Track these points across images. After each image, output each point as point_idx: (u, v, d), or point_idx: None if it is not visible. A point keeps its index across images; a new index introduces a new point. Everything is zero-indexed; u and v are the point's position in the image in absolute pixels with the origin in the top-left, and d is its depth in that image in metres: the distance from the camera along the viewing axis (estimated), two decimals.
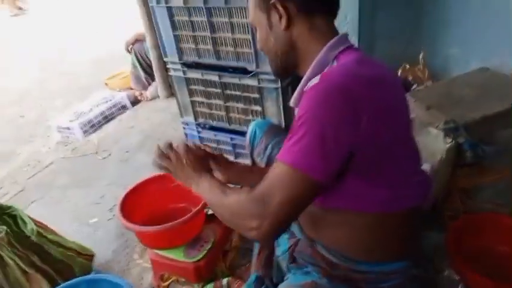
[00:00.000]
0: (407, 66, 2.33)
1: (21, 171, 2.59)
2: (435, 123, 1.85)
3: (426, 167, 1.64)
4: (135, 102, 3.35)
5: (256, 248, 1.30)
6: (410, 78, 2.35)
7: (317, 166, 0.78)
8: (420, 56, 2.32)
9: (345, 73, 0.82)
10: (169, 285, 1.54)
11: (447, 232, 1.44)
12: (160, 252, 1.47)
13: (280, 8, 0.91)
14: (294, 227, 1.11)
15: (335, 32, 0.96)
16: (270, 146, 1.35)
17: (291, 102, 1.00)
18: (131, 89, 3.47)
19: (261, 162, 1.37)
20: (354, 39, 2.34)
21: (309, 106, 0.79)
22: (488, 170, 1.80)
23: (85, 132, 2.91)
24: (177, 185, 1.62)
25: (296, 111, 0.99)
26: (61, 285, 1.27)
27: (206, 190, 0.98)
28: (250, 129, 1.43)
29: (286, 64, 1.00)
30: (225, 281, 1.41)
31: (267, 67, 1.66)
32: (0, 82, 4.47)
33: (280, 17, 0.92)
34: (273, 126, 1.45)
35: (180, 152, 1.07)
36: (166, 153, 1.10)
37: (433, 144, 1.74)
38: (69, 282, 1.28)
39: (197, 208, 1.41)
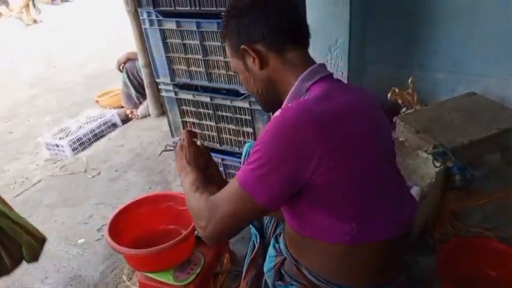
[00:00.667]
0: (397, 90, 2.37)
1: (8, 189, 2.55)
2: (424, 147, 1.88)
3: (416, 190, 1.65)
4: (126, 120, 3.34)
5: (245, 269, 1.29)
6: (400, 101, 2.39)
7: (261, 191, 0.85)
8: (410, 80, 2.37)
9: (300, 108, 0.84)
10: None
11: (438, 255, 1.45)
12: (149, 275, 1.44)
13: (251, 52, 0.96)
14: (282, 245, 1.11)
15: (308, 62, 0.99)
16: None
17: None
18: (122, 107, 3.46)
19: None
20: (344, 63, 2.38)
21: (264, 134, 0.85)
22: (477, 194, 1.82)
23: (74, 149, 2.89)
24: (168, 206, 1.63)
25: None
26: None
27: (186, 183, 1.06)
28: (244, 150, 1.44)
29: (269, 99, 1.05)
30: None
31: None
32: None
33: (254, 60, 0.97)
34: None
35: (184, 144, 1.16)
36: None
37: (423, 167, 1.77)
38: None
39: (187, 231, 1.40)
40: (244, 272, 1.29)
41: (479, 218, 1.73)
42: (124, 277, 1.71)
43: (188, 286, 1.39)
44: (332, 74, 0.98)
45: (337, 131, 0.83)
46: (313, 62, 0.99)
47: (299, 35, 1.00)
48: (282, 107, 0.98)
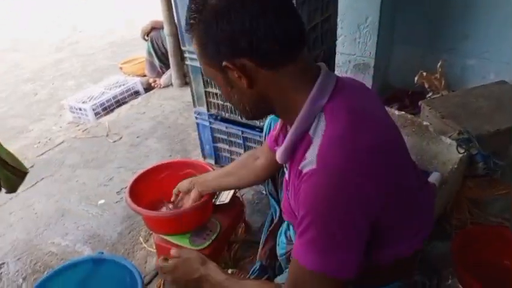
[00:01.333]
0: (424, 73, 2.32)
1: (32, 148, 2.62)
2: (448, 132, 1.85)
3: (435, 175, 1.64)
4: (148, 88, 3.37)
5: (263, 238, 1.31)
6: (427, 85, 2.34)
7: (342, 265, 0.73)
8: (438, 65, 2.31)
9: (343, 153, 0.72)
10: None
11: (453, 241, 1.44)
12: (166, 238, 1.48)
13: (236, 69, 0.76)
14: (292, 232, 1.12)
15: (311, 72, 0.82)
16: None
17: (279, 158, 0.88)
18: (145, 75, 3.48)
19: None
20: (372, 42, 2.33)
21: (315, 203, 0.72)
22: (498, 184, 1.80)
23: (96, 114, 2.93)
24: (186, 173, 1.65)
25: (286, 168, 0.94)
26: (68, 262, 1.28)
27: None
28: (266, 122, 1.44)
29: (259, 115, 0.91)
30: (229, 271, 1.42)
31: None
32: (15, 58, 4.51)
33: (240, 77, 0.78)
34: None
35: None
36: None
37: (445, 153, 1.74)
38: (76, 259, 1.30)
39: (205, 198, 1.42)
40: (262, 242, 1.30)
41: (498, 208, 1.71)
42: (141, 239, 1.75)
43: (203, 251, 1.42)
44: (337, 77, 0.85)
45: (384, 163, 0.76)
46: (315, 69, 0.83)
47: (298, 43, 0.78)
48: (292, 132, 0.82)
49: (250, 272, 1.24)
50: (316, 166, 0.72)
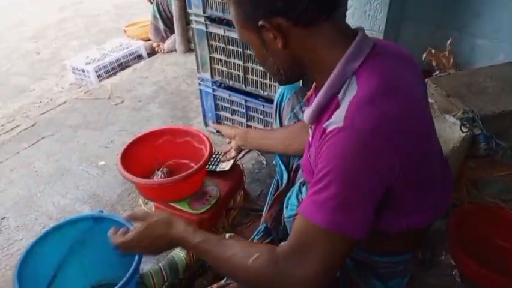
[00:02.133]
0: (433, 51, 2.29)
1: (33, 107, 2.61)
2: (453, 111, 1.83)
3: None
4: (151, 53, 3.32)
5: (269, 202, 1.31)
6: (434, 63, 2.31)
7: (354, 225, 0.72)
8: (448, 43, 2.27)
9: (372, 118, 0.70)
10: None
11: (449, 218, 1.45)
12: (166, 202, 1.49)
13: (271, 29, 0.77)
14: (305, 195, 1.12)
15: (346, 33, 0.81)
16: (297, 107, 1.37)
17: (306, 119, 0.87)
18: (149, 39, 3.43)
19: (290, 121, 1.39)
20: (382, 16, 2.29)
21: (338, 161, 0.71)
22: (499, 165, 1.80)
23: (99, 76, 2.91)
24: (185, 140, 1.65)
25: (311, 129, 0.92)
26: (68, 219, 1.29)
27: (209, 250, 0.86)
28: (279, 91, 1.44)
29: (292, 78, 0.90)
30: (227, 235, 1.44)
31: None
32: (18, 16, 4.43)
33: (275, 37, 0.78)
34: (301, 89, 1.44)
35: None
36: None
37: (448, 132, 1.74)
38: (76, 216, 1.31)
39: (197, 165, 1.42)
40: (268, 205, 1.31)
41: (496, 189, 1.72)
42: (141, 201, 1.77)
43: (202, 215, 1.44)
44: (375, 41, 0.82)
45: (413, 130, 0.75)
46: (350, 30, 0.82)
47: (333, 2, 0.78)
48: (324, 91, 0.80)
49: (255, 233, 1.26)
50: (343, 125, 0.71)
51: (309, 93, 0.98)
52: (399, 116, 0.73)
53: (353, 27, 0.84)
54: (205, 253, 0.87)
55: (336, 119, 0.73)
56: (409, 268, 1.04)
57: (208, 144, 1.50)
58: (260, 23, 0.76)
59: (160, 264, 1.30)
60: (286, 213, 1.18)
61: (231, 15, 0.84)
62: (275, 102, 1.45)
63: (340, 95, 0.77)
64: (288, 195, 1.23)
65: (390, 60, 0.81)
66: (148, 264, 1.41)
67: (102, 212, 1.31)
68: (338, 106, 0.76)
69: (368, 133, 0.69)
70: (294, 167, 1.36)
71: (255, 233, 1.27)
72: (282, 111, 1.43)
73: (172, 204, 1.47)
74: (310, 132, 0.94)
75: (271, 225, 1.29)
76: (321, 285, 0.75)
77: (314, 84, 0.95)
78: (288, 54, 0.81)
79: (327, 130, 0.74)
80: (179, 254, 1.38)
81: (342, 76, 0.77)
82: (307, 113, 0.86)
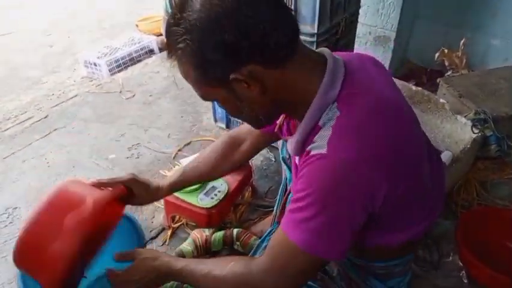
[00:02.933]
0: (446, 50, 2.27)
1: (45, 99, 2.64)
2: (465, 112, 1.82)
3: (447, 155, 1.63)
4: (163, 48, 3.33)
5: (280, 200, 1.31)
6: (447, 63, 2.30)
7: (332, 251, 0.74)
8: (461, 43, 2.26)
9: (356, 145, 0.70)
10: (178, 227, 1.60)
11: (458, 220, 1.45)
12: (175, 194, 1.50)
13: (245, 79, 0.71)
14: None
15: (315, 56, 0.79)
16: None
17: (291, 151, 0.86)
18: (161, 34, 3.44)
19: None
20: (395, 14, 2.27)
21: (319, 186, 0.70)
22: (509, 167, 1.79)
23: (110, 70, 2.92)
24: None
25: (296, 160, 0.92)
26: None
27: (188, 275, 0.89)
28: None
29: (271, 121, 0.87)
30: (235, 231, 1.46)
31: (305, 27, 1.63)
32: (31, 9, 4.47)
33: (250, 86, 0.73)
34: None
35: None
36: None
37: (459, 132, 1.73)
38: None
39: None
40: (279, 205, 1.31)
41: (506, 191, 1.71)
42: None
43: (210, 210, 1.45)
44: (344, 61, 0.79)
45: (397, 154, 0.73)
46: (318, 55, 0.79)
47: (296, 32, 0.74)
48: (304, 123, 0.78)
49: (266, 233, 1.26)
50: (327, 152, 0.70)
51: (279, 122, 0.97)
52: (385, 141, 0.72)
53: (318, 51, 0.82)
54: (190, 275, 0.89)
55: (319, 144, 0.72)
56: (409, 267, 1.04)
57: None
58: (232, 76, 0.71)
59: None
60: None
61: (185, 75, 0.76)
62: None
63: (321, 122, 0.76)
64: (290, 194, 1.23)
65: (364, 76, 0.79)
66: None
67: None
68: (320, 129, 0.75)
69: (350, 162, 0.69)
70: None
71: (266, 232, 1.26)
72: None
73: (181, 198, 1.48)
74: (297, 158, 0.93)
75: None
76: None
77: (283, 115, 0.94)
78: (265, 99, 0.76)
79: (311, 153, 0.74)
80: (187, 247, 1.39)
81: (323, 105, 0.75)
82: (291, 145, 0.85)
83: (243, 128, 1.23)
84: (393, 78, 0.93)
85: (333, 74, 0.75)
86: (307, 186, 0.71)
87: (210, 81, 0.74)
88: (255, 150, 1.25)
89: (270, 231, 1.25)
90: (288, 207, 0.77)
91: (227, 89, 0.75)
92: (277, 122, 1.01)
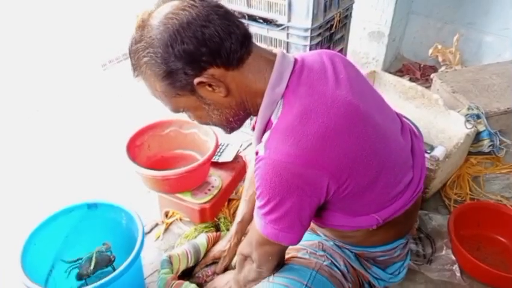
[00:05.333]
0: (439, 46, 2.28)
1: (40, 91, 2.61)
2: (458, 107, 1.83)
3: (440, 150, 1.64)
4: None
5: None
6: (440, 59, 2.30)
7: (291, 237, 0.83)
8: (455, 39, 2.26)
9: (287, 147, 0.74)
10: (172, 222, 1.59)
11: (450, 214, 1.46)
12: None
13: (210, 82, 0.77)
14: None
15: (267, 58, 0.83)
16: None
17: (254, 147, 0.91)
18: None
19: None
20: (390, 10, 2.27)
21: (261, 183, 0.77)
22: (501, 162, 1.80)
23: (108, 63, 2.90)
24: (191, 132, 1.65)
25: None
26: (62, 208, 1.28)
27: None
28: None
29: (241, 122, 0.91)
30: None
31: (299, 22, 1.62)
32: None
33: (214, 89, 0.79)
34: None
35: None
36: None
37: (452, 128, 1.74)
38: (68, 205, 1.29)
39: (203, 158, 1.41)
40: None
41: (498, 186, 1.72)
42: (143, 190, 1.77)
43: (204, 205, 1.44)
44: (295, 58, 0.85)
45: (338, 146, 0.75)
46: (272, 55, 0.83)
47: (249, 35, 0.81)
48: (258, 121, 0.84)
49: None
50: (264, 154, 0.77)
51: (252, 123, 1.00)
52: (318, 136, 0.75)
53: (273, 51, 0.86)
54: None
55: (261, 146, 0.79)
56: (407, 251, 1.06)
57: (214, 137, 1.50)
58: (197, 80, 0.76)
59: (185, 248, 1.33)
60: None
61: (153, 90, 0.81)
62: None
63: (272, 117, 0.82)
64: None
65: (312, 74, 0.82)
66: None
67: (96, 199, 1.31)
68: (271, 126, 0.81)
69: (282, 163, 0.74)
70: None
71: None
72: None
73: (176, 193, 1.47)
74: None
75: None
76: (273, 265, 0.95)
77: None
78: (230, 100, 0.82)
79: (257, 154, 0.80)
80: (201, 239, 1.38)
81: (272, 102, 0.81)
82: (253, 143, 0.91)
83: None
84: (360, 72, 0.93)
85: (278, 71, 0.80)
86: (258, 187, 0.79)
87: (177, 89, 0.79)
88: None
89: None
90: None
91: (194, 96, 0.80)
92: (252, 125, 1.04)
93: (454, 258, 1.38)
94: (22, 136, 2.19)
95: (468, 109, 1.76)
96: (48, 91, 2.65)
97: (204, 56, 0.74)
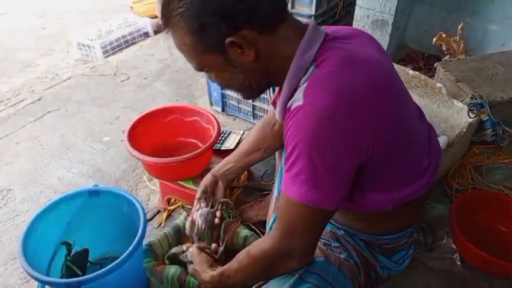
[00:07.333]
0: (443, 35, 2.25)
1: (39, 82, 2.60)
2: (461, 96, 1.82)
3: (443, 139, 1.63)
4: (158, 30, 3.29)
5: (278, 188, 1.31)
6: (444, 48, 2.28)
7: (329, 198, 0.75)
8: (459, 27, 2.24)
9: (332, 92, 0.71)
10: (174, 209, 1.59)
11: (452, 203, 1.46)
12: None
13: (242, 43, 0.75)
14: None
15: (300, 28, 0.81)
16: None
17: (277, 117, 0.90)
18: (156, 16, 3.39)
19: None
20: (393, 0, 2.25)
21: (301, 136, 0.72)
22: (504, 152, 1.80)
23: (104, 52, 2.88)
24: (193, 120, 1.64)
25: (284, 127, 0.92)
26: (64, 195, 1.29)
27: (234, 272, 0.91)
28: None
29: (261, 90, 0.89)
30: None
31: (303, 9, 1.61)
32: None
33: (243, 51, 0.77)
34: None
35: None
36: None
37: (455, 117, 1.73)
38: (70, 192, 1.30)
39: (205, 145, 1.41)
40: (277, 193, 1.31)
41: (500, 176, 1.72)
42: (145, 177, 1.78)
43: None
44: (327, 28, 0.84)
45: (379, 104, 0.74)
46: (303, 26, 0.82)
47: (285, 5, 0.81)
48: (286, 85, 0.81)
49: (271, 222, 1.26)
50: (303, 102, 0.73)
51: (274, 97, 0.98)
52: (360, 87, 0.73)
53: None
54: (226, 279, 0.92)
55: (297, 98, 0.75)
56: (412, 240, 1.06)
57: (216, 125, 1.50)
58: (229, 40, 0.74)
59: (165, 230, 1.32)
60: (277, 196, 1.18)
61: (182, 43, 0.79)
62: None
63: (301, 83, 0.78)
64: (277, 181, 1.24)
65: (345, 40, 0.82)
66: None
67: (97, 185, 1.31)
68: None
69: (326, 109, 0.70)
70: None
71: (271, 221, 1.27)
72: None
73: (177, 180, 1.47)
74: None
75: None
76: (311, 254, 0.85)
77: (277, 88, 0.96)
78: (257, 66, 0.80)
79: (291, 108, 0.76)
80: (181, 218, 1.37)
81: (301, 66, 0.78)
82: (277, 111, 0.88)
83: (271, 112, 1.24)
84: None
85: (310, 37, 0.79)
86: (292, 141, 0.74)
87: (207, 46, 0.77)
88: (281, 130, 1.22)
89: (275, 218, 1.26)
90: (284, 168, 0.78)
91: (222, 56, 0.78)
92: (274, 98, 1.03)
93: (454, 247, 1.38)
94: (26, 121, 2.19)
95: (471, 98, 1.75)
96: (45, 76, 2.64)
97: (240, 14, 0.73)
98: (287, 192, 0.77)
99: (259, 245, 0.87)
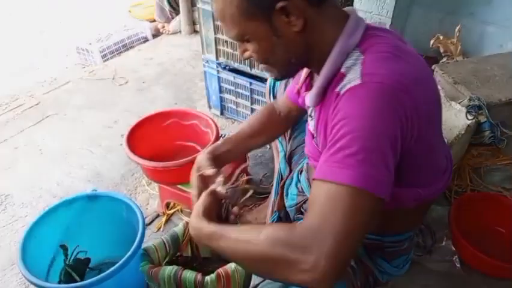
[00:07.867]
0: (441, 37, 2.26)
1: (37, 86, 2.61)
2: (459, 98, 1.82)
3: None
4: (156, 34, 3.30)
5: (277, 190, 1.31)
6: (442, 50, 2.28)
7: (383, 182, 0.67)
8: (456, 29, 2.24)
9: (394, 71, 0.70)
10: (173, 213, 1.59)
11: (451, 205, 1.46)
12: None
13: (292, 11, 0.73)
14: (304, 184, 1.12)
15: (343, 12, 0.81)
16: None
17: (310, 101, 0.84)
18: (154, 20, 3.40)
19: None
20: (391, 1, 2.25)
21: (360, 115, 0.68)
22: (502, 154, 1.79)
23: (103, 56, 2.89)
24: (191, 124, 1.65)
25: (314, 111, 0.89)
26: (62, 200, 1.29)
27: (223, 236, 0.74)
28: (268, 83, 1.41)
29: (298, 68, 0.87)
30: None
31: None
32: None
33: (290, 20, 0.74)
34: None
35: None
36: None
37: (453, 119, 1.73)
38: (69, 197, 1.30)
39: (204, 149, 1.41)
40: (276, 194, 1.31)
41: (499, 178, 1.72)
42: (144, 181, 1.78)
43: None
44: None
45: (424, 94, 0.74)
46: (343, 10, 0.82)
47: None
48: (327, 68, 0.79)
49: (270, 222, 1.26)
50: (362, 81, 0.70)
51: (301, 80, 0.96)
52: (416, 72, 0.74)
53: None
54: (220, 238, 0.75)
55: (351, 79, 0.72)
56: (412, 244, 1.06)
57: (214, 128, 1.50)
58: (280, 4, 0.72)
59: (162, 238, 1.31)
60: (287, 202, 1.18)
61: (228, 10, 0.76)
62: (267, 92, 1.40)
63: (344, 69, 0.76)
64: (287, 184, 1.23)
65: (385, 31, 0.82)
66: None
67: (96, 190, 1.31)
68: (344, 76, 0.75)
69: (389, 86, 0.69)
70: (288, 153, 1.30)
71: (270, 221, 1.27)
72: (275, 91, 1.36)
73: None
74: (313, 119, 0.91)
75: (282, 213, 1.28)
76: (347, 258, 0.66)
77: (305, 73, 0.94)
78: (302, 38, 0.77)
79: (342, 91, 0.72)
80: (179, 226, 1.37)
81: (345, 50, 0.77)
82: (310, 95, 0.84)
83: (280, 100, 1.21)
84: None
85: (356, 23, 0.78)
86: (345, 124, 0.68)
87: (255, 9, 0.74)
88: (289, 121, 1.22)
89: (272, 220, 1.26)
90: (322, 158, 0.71)
91: (268, 24, 0.75)
92: (295, 86, 1.01)
93: (453, 249, 1.38)
94: (25, 126, 2.19)
95: (469, 100, 1.75)
96: (44, 80, 2.64)
97: None
98: (333, 177, 0.66)
99: (282, 228, 0.68)
